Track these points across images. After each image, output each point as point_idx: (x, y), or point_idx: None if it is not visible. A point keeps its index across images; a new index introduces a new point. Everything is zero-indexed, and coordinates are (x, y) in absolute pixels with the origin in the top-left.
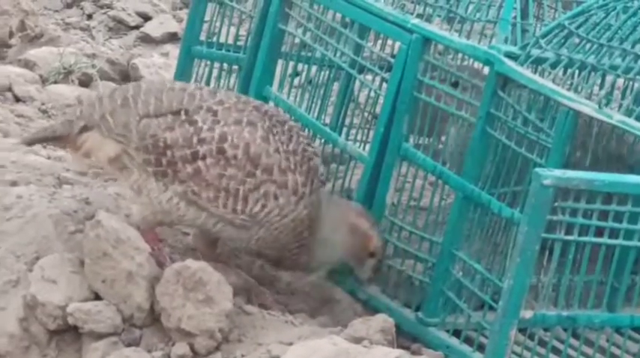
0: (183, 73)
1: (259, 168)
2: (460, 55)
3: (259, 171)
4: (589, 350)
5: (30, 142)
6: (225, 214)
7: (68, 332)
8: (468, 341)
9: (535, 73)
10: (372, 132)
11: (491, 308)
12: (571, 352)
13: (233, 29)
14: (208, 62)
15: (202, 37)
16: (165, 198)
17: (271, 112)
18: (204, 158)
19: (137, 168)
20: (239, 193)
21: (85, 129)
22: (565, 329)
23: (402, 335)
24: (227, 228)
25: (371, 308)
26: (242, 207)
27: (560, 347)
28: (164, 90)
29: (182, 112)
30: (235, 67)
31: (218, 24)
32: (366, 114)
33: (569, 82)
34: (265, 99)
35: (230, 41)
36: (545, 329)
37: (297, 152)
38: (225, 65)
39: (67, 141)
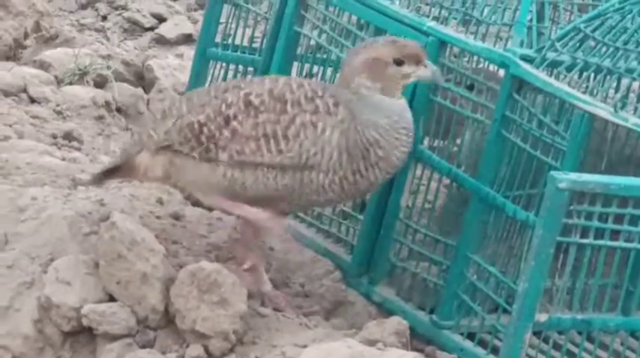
0: (198, 74)
1: (288, 104)
2: (475, 58)
3: (289, 107)
4: (604, 354)
5: (97, 180)
6: (273, 159)
7: (82, 333)
8: (482, 343)
9: (550, 76)
10: None
11: (505, 311)
12: (586, 355)
13: (248, 31)
14: (224, 64)
15: (218, 39)
16: (220, 175)
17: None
18: (235, 117)
19: (186, 165)
20: (277, 133)
21: (138, 152)
22: (580, 333)
23: (416, 338)
24: (293, 180)
25: (385, 311)
26: (285, 146)
27: (575, 350)
28: (195, 94)
29: (212, 95)
30: (251, 68)
31: (233, 26)
32: None
33: (584, 85)
34: None
35: (245, 43)
36: (560, 333)
37: (320, 85)
38: (240, 67)
39: (128, 171)
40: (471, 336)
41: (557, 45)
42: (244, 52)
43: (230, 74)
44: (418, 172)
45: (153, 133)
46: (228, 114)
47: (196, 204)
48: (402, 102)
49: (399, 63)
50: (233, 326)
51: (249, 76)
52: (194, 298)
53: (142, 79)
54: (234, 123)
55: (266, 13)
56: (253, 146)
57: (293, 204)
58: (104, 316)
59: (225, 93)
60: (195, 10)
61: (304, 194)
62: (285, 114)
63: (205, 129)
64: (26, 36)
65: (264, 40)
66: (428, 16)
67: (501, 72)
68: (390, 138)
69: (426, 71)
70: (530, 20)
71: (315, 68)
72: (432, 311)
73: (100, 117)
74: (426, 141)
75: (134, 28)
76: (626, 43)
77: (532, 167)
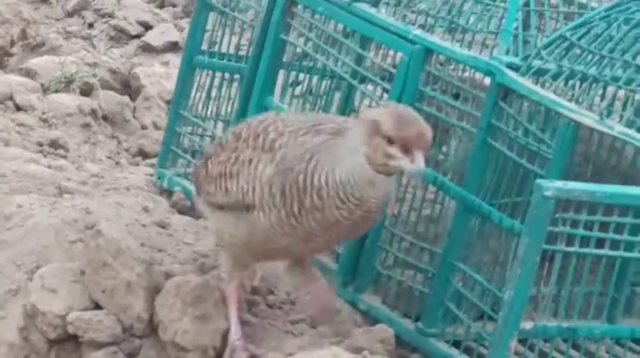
0: (184, 82)
1: (240, 141)
2: (461, 66)
3: (240, 143)
4: None
5: None
6: (223, 200)
7: (68, 341)
8: (468, 351)
9: (536, 84)
10: None
11: (491, 318)
12: None
13: (234, 39)
14: (210, 72)
15: (204, 47)
16: (213, 222)
17: None
18: (210, 157)
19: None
20: (226, 171)
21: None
22: (565, 341)
23: (402, 346)
24: (248, 223)
25: (371, 319)
26: (230, 184)
27: None
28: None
29: None
30: (237, 76)
31: (219, 33)
32: None
33: (570, 94)
34: (266, 109)
35: (231, 51)
36: (546, 340)
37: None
38: (226, 75)
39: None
40: (456, 344)
41: (543, 53)
42: (230, 60)
43: (216, 82)
44: (404, 180)
45: (198, 187)
46: (208, 153)
47: (182, 212)
48: (380, 177)
49: (389, 140)
50: (213, 342)
51: (233, 89)
52: (177, 310)
53: (128, 87)
54: (209, 165)
55: (252, 20)
56: (212, 187)
57: (283, 253)
58: (90, 324)
59: None
60: (182, 17)
61: (273, 241)
62: (235, 152)
63: (197, 170)
64: (12, 44)
65: (251, 48)
66: (414, 24)
67: (487, 80)
68: (334, 195)
69: (409, 165)
70: (516, 28)
71: (302, 76)
72: (417, 319)
73: (86, 125)
74: None
75: (120, 36)
76: (611, 51)
77: (518, 175)
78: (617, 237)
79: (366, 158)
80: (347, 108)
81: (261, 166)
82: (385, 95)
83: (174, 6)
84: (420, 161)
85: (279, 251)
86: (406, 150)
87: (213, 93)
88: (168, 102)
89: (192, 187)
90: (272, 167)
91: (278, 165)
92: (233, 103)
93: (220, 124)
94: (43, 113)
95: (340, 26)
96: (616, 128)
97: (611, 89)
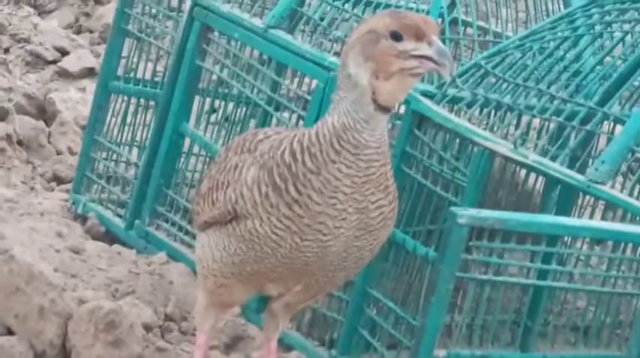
0: (100, 108)
1: (230, 151)
2: None
3: (229, 153)
4: None
5: None
6: (210, 214)
7: None
8: None
9: (451, 112)
10: None
11: (405, 347)
12: None
13: (150, 65)
14: (125, 97)
15: (120, 73)
16: (197, 247)
17: None
18: (203, 179)
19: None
20: (214, 184)
21: None
22: None
23: None
24: (239, 239)
25: (285, 346)
26: (217, 196)
27: None
28: None
29: None
30: (152, 102)
31: (135, 59)
32: None
33: (484, 122)
34: (181, 136)
35: (147, 77)
36: None
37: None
38: (142, 101)
39: None
40: None
41: (458, 81)
42: (146, 86)
43: (132, 108)
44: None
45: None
46: (204, 176)
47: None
48: (376, 115)
49: (396, 37)
50: None
51: (148, 115)
52: (90, 336)
53: (44, 112)
54: (202, 185)
55: (168, 47)
56: (202, 204)
57: (280, 280)
58: (2, 349)
59: None
60: (98, 43)
61: (266, 258)
62: (224, 162)
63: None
64: None
65: (166, 74)
66: (330, 51)
67: (402, 107)
68: (327, 148)
69: (431, 50)
70: None
71: (218, 103)
72: (331, 347)
73: (1, 150)
74: None
75: (36, 61)
76: (526, 79)
77: (432, 203)
78: (530, 265)
79: (372, 79)
80: None
81: (245, 170)
82: (301, 122)
83: (90, 32)
84: (438, 41)
85: (270, 273)
86: (419, 37)
87: (129, 119)
88: (83, 128)
89: (106, 212)
90: (255, 166)
91: (258, 161)
92: (148, 129)
93: (135, 150)
94: None
95: (256, 53)
96: (530, 157)
97: (525, 118)
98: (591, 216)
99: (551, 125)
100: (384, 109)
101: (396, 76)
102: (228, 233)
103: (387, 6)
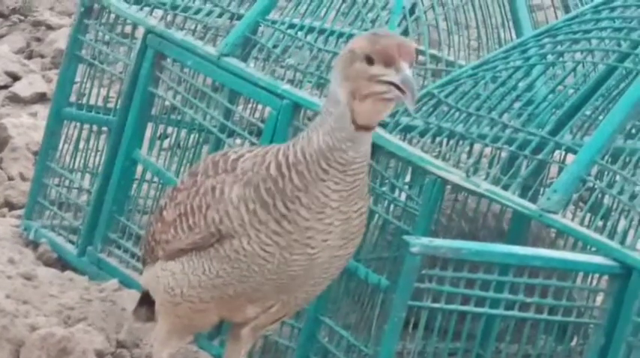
0: (52, 134)
1: (198, 175)
2: None
3: (198, 177)
4: None
5: None
6: (188, 240)
7: None
8: None
9: (404, 140)
10: None
11: None
12: None
13: (103, 91)
14: (78, 124)
15: (72, 98)
16: (160, 277)
17: None
18: (165, 206)
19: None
20: (187, 209)
21: None
22: None
23: None
24: (221, 260)
25: None
26: (193, 221)
27: None
28: None
29: None
30: (105, 128)
31: (88, 85)
32: None
33: (437, 150)
34: (134, 162)
35: (100, 103)
36: None
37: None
38: (94, 127)
39: None
40: None
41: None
42: (99, 112)
43: (84, 134)
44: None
45: None
46: (161, 205)
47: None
48: (359, 135)
49: (369, 60)
50: None
51: (101, 142)
52: None
53: None
54: (164, 213)
55: (121, 73)
56: (171, 232)
57: (261, 299)
58: None
59: None
60: (50, 69)
61: (252, 277)
62: (194, 187)
63: (151, 229)
64: None
65: (119, 101)
66: (283, 79)
67: None
68: (314, 167)
69: (396, 76)
70: None
71: (170, 129)
72: None
73: None
74: None
75: None
76: (478, 108)
77: (385, 231)
78: (482, 293)
79: (349, 99)
80: None
81: (227, 189)
82: None
83: (42, 57)
84: (405, 69)
85: (253, 293)
86: (388, 64)
87: (81, 145)
88: (35, 154)
89: (58, 239)
90: (238, 184)
91: (242, 178)
92: (101, 156)
93: (88, 177)
94: None
95: (209, 80)
96: (482, 185)
97: (477, 146)
98: None
99: (504, 154)
100: (365, 128)
101: (370, 99)
102: (209, 256)
103: (340, 35)
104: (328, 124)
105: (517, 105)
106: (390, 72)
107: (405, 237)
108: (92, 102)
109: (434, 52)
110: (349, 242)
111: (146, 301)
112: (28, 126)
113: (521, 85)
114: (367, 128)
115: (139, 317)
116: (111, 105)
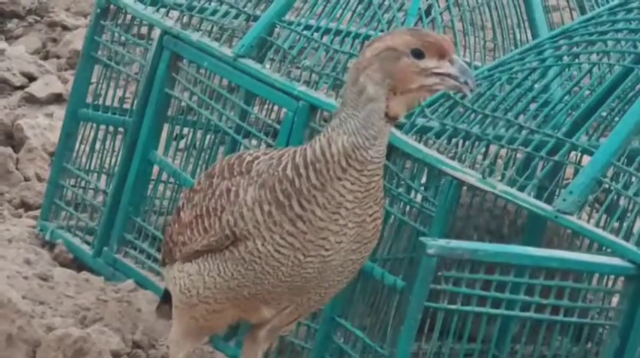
0: (68, 135)
1: (214, 177)
2: None
3: (215, 179)
4: None
5: None
6: (203, 242)
7: None
8: None
9: (420, 141)
10: None
11: None
12: None
13: (119, 92)
14: (94, 124)
15: (88, 100)
16: (177, 279)
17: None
18: (182, 207)
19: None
20: (203, 211)
21: None
22: None
23: None
24: (237, 262)
25: None
26: (208, 223)
27: None
28: None
29: None
30: (121, 129)
31: (104, 86)
32: None
33: (453, 152)
34: (150, 163)
35: (116, 104)
36: None
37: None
38: (110, 128)
39: None
40: None
41: (427, 111)
42: (115, 113)
43: (100, 135)
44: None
45: None
46: (179, 206)
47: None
48: (387, 129)
49: (417, 54)
50: None
51: (117, 142)
52: None
53: (12, 139)
54: (181, 214)
55: (137, 74)
56: (188, 234)
57: (276, 300)
58: None
59: None
60: (66, 69)
61: (267, 279)
62: (210, 189)
63: (169, 230)
64: None
65: (135, 102)
66: (299, 81)
67: None
68: (333, 166)
69: (453, 69)
70: None
71: (186, 130)
72: None
73: None
74: None
75: (4, 87)
76: (494, 110)
77: (400, 232)
78: (498, 295)
79: (389, 95)
80: None
81: (242, 191)
82: None
83: (58, 58)
84: (459, 59)
85: (267, 294)
86: (441, 55)
87: (97, 146)
88: (51, 155)
89: (74, 239)
90: (253, 187)
91: (256, 180)
92: (117, 156)
93: (104, 177)
94: None
95: (225, 81)
96: (498, 187)
97: (493, 148)
98: None
99: (519, 155)
100: (392, 119)
101: (414, 92)
102: (224, 258)
103: (356, 36)
104: (354, 124)
105: (533, 106)
106: (443, 64)
107: (422, 239)
108: (108, 103)
109: None
110: (362, 246)
111: (169, 298)
112: (44, 127)
113: (537, 86)
114: (396, 119)
115: (161, 315)
116: (127, 106)
